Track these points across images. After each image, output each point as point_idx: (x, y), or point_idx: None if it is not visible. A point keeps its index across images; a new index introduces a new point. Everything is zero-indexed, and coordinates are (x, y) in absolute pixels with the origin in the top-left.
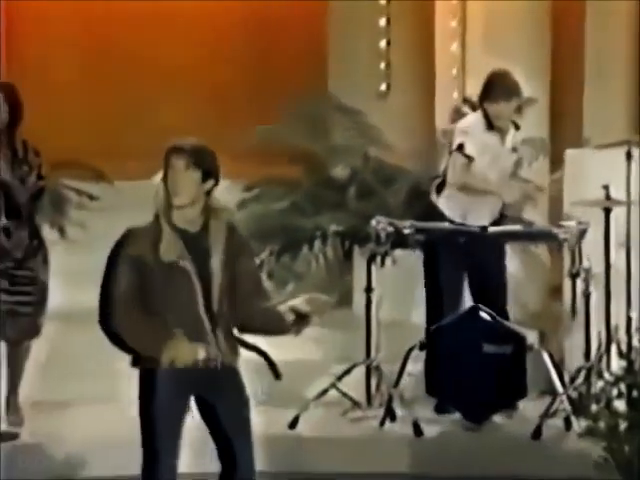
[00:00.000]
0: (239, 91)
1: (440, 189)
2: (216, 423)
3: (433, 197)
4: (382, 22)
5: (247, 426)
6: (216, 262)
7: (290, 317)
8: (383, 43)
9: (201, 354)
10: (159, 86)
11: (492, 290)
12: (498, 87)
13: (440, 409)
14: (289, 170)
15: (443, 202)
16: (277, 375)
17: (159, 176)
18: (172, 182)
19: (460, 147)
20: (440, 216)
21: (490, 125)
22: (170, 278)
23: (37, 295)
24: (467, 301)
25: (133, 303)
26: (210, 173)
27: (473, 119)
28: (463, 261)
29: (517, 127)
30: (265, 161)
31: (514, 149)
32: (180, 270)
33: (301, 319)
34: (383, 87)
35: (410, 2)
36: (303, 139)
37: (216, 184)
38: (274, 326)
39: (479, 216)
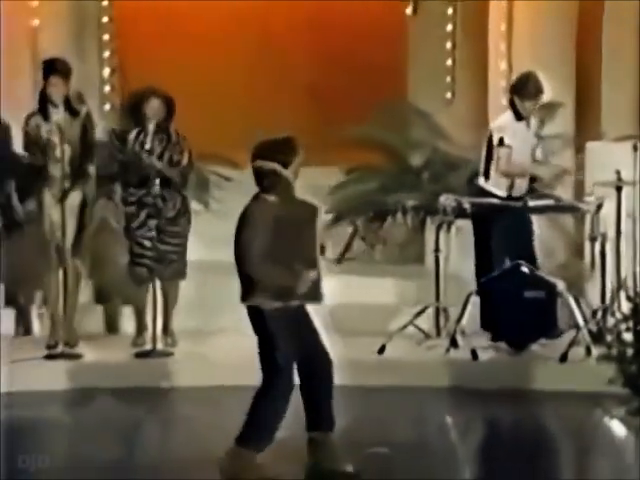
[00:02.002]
0: (338, 95)
1: (486, 174)
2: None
3: (480, 181)
4: (448, 45)
5: (321, 340)
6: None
7: None
8: (449, 62)
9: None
10: (270, 85)
11: (523, 246)
12: (529, 86)
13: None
14: (378, 159)
15: (491, 183)
16: None
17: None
18: (298, 168)
19: (501, 141)
20: (487, 194)
21: (519, 116)
22: (300, 231)
23: (181, 246)
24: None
25: (267, 254)
26: None
27: (505, 116)
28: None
29: (537, 118)
30: (360, 151)
31: (537, 135)
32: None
33: None
34: (449, 96)
35: (470, 30)
36: (388, 135)
37: None
38: None
39: (518, 190)
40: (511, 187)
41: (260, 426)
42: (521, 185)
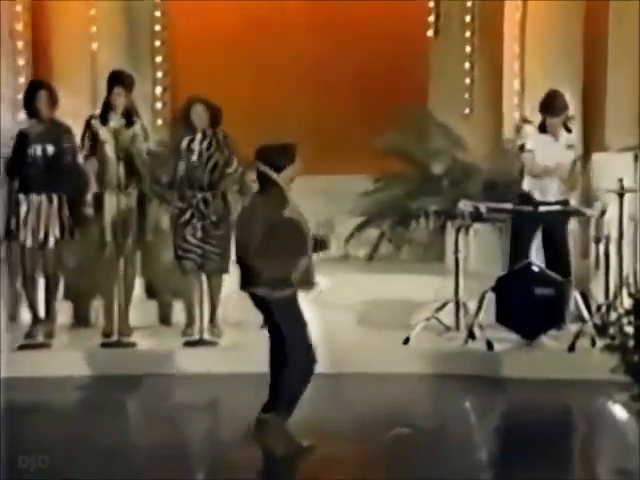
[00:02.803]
0: (364, 109)
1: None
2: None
3: (522, 185)
4: (467, 65)
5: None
6: None
7: None
8: (467, 80)
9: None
10: (305, 96)
11: (557, 248)
12: (556, 104)
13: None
14: (403, 167)
15: (525, 187)
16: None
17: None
18: (297, 173)
19: (522, 147)
20: (527, 197)
21: (543, 129)
22: (293, 229)
23: (223, 247)
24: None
25: (266, 245)
26: None
27: (529, 128)
28: (536, 227)
29: (569, 130)
30: (386, 161)
31: (569, 146)
32: (300, 224)
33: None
34: (467, 111)
35: (486, 52)
36: (412, 146)
37: None
38: None
39: (552, 193)
40: (541, 192)
41: (284, 396)
42: (549, 190)
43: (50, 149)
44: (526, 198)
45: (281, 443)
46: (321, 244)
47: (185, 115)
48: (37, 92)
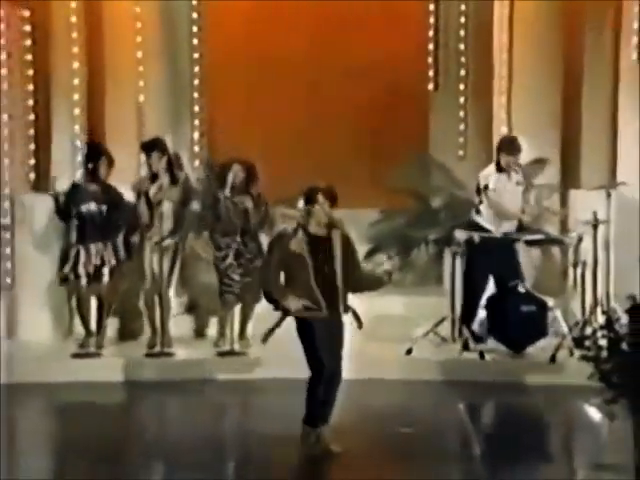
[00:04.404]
0: (374, 151)
1: (477, 211)
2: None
3: (473, 214)
4: (461, 114)
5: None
6: (337, 255)
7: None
8: (462, 126)
9: (298, 306)
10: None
11: (508, 271)
12: (509, 146)
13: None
14: (406, 201)
15: (483, 219)
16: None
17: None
18: (320, 213)
19: (486, 187)
20: (480, 228)
21: (500, 169)
22: (296, 261)
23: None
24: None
25: (277, 273)
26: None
27: (490, 168)
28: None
29: (520, 166)
30: (393, 195)
31: (517, 183)
32: (301, 257)
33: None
34: (461, 153)
35: (478, 101)
36: (414, 182)
37: None
38: (372, 284)
39: (505, 227)
40: (499, 225)
41: (315, 409)
42: (509, 224)
43: (104, 207)
44: (479, 228)
45: (323, 449)
46: (378, 282)
47: (224, 173)
48: (98, 157)
